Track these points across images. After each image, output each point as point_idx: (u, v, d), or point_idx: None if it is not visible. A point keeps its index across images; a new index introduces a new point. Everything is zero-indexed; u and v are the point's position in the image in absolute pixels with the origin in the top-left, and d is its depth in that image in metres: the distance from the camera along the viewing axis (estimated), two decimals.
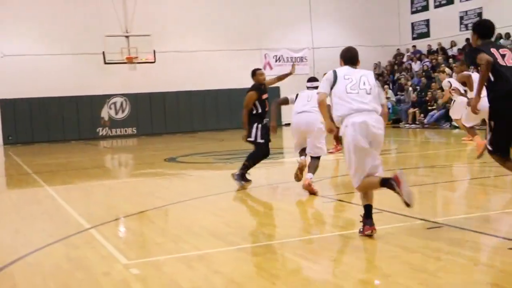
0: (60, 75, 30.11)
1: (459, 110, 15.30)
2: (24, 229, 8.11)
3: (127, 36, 27.59)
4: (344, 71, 6.64)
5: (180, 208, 9.17)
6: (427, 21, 34.00)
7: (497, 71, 6.58)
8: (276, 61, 34.35)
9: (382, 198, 8.79)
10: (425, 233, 6.59)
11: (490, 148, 6.93)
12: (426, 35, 33.92)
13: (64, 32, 30.14)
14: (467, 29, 31.11)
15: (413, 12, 35.05)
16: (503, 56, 6.71)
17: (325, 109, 6.57)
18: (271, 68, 33.71)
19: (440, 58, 30.40)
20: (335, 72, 6.61)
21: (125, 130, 31.84)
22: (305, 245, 6.51)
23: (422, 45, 33.60)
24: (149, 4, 30.31)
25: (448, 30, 32.20)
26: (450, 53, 31.14)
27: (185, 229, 7.37)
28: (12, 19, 29.42)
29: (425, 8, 34.09)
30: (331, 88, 6.54)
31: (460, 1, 31.66)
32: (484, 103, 6.87)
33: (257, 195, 10.37)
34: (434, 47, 32.51)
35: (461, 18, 31.59)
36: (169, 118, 32.39)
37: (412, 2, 35.04)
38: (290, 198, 9.64)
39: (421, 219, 7.10)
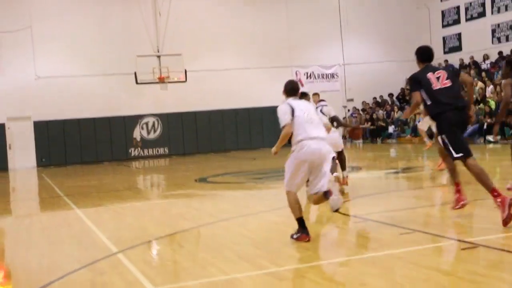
0: (93, 96, 30.39)
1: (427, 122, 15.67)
2: (52, 254, 8.07)
3: (158, 56, 27.80)
4: (297, 103, 7.62)
5: (209, 230, 9.06)
6: (459, 34, 33.63)
7: (432, 95, 7.83)
8: (307, 78, 34.29)
9: (414, 217, 8.60)
10: (460, 254, 6.38)
11: (457, 155, 7.78)
12: (458, 48, 33.56)
13: (96, 53, 30.44)
14: (499, 42, 30.71)
15: (444, 26, 34.71)
16: (438, 78, 7.91)
17: (287, 138, 7.50)
18: (302, 85, 33.61)
19: (472, 72, 30.00)
20: (290, 105, 7.53)
21: (157, 150, 31.93)
22: (334, 268, 6.34)
23: (454, 59, 33.18)
24: (179, 23, 30.42)
25: (480, 43, 31.82)
26: (483, 66, 30.72)
27: (214, 252, 7.25)
28: (46, 41, 29.81)
29: (456, 21, 33.73)
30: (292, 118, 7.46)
31: (492, 13, 31.28)
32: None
33: (288, 215, 10.21)
34: (466, 60, 32.11)
35: (493, 31, 31.18)
36: (201, 138, 32.42)
37: (443, 16, 34.73)
38: (321, 219, 9.47)
39: (455, 239, 6.88)
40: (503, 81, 10.56)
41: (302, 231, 7.48)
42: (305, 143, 7.34)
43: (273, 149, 7.69)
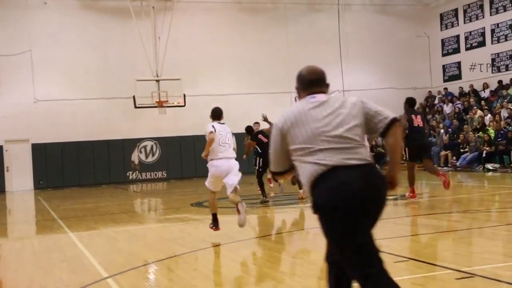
0: (91, 120, 30.34)
1: None
2: (40, 278, 7.92)
3: (157, 80, 27.72)
4: (218, 127, 9.84)
5: (201, 256, 8.93)
6: (459, 63, 33.70)
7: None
8: None
9: (409, 245, 8.48)
10: (455, 284, 6.25)
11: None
12: (457, 77, 33.60)
13: (96, 76, 30.44)
14: (499, 71, 30.75)
15: (444, 55, 34.79)
16: None
17: (212, 143, 9.71)
18: None
19: (472, 100, 30.03)
20: (213, 126, 9.78)
21: (155, 174, 31.83)
22: None
23: (454, 87, 33.24)
24: (179, 48, 30.49)
25: (480, 72, 31.87)
26: (482, 95, 30.74)
27: (204, 279, 7.13)
28: (45, 65, 29.83)
29: (456, 50, 33.82)
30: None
31: (492, 43, 31.36)
32: None
33: (281, 242, 10.10)
34: (466, 89, 32.14)
35: (493, 60, 31.24)
36: (200, 162, 32.09)
37: (443, 45, 34.84)
38: (312, 245, 9.34)
39: (451, 269, 6.76)
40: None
41: (215, 224, 10.13)
42: (213, 163, 9.70)
43: (203, 154, 9.87)
